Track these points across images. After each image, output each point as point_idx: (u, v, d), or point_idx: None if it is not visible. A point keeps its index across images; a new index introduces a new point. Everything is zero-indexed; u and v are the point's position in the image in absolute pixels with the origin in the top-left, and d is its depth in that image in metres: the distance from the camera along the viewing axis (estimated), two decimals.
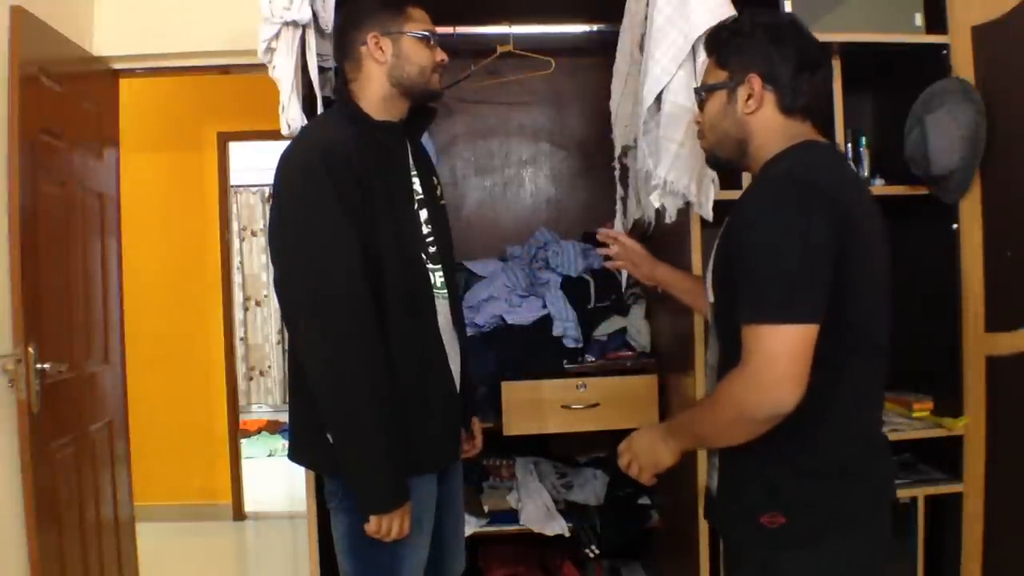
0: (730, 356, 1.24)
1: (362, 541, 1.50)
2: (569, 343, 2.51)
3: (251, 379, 6.42)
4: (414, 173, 1.65)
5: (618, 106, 2.34)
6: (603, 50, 2.53)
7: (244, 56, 2.37)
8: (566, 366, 2.48)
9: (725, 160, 1.40)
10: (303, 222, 1.47)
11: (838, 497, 1.23)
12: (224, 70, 2.71)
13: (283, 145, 1.58)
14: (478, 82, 2.79)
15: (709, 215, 1.96)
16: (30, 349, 2.01)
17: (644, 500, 2.59)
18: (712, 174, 1.91)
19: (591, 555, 2.45)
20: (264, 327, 6.46)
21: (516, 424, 2.39)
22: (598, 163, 2.72)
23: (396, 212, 1.56)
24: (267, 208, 6.23)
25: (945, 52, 2.23)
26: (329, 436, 1.49)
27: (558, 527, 2.43)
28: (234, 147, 4.19)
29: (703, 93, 1.38)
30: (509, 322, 2.52)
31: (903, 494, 2.19)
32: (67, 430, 2.25)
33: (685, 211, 2.02)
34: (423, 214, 1.64)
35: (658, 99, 1.89)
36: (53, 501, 2.14)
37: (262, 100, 2.44)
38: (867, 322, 1.24)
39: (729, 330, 1.24)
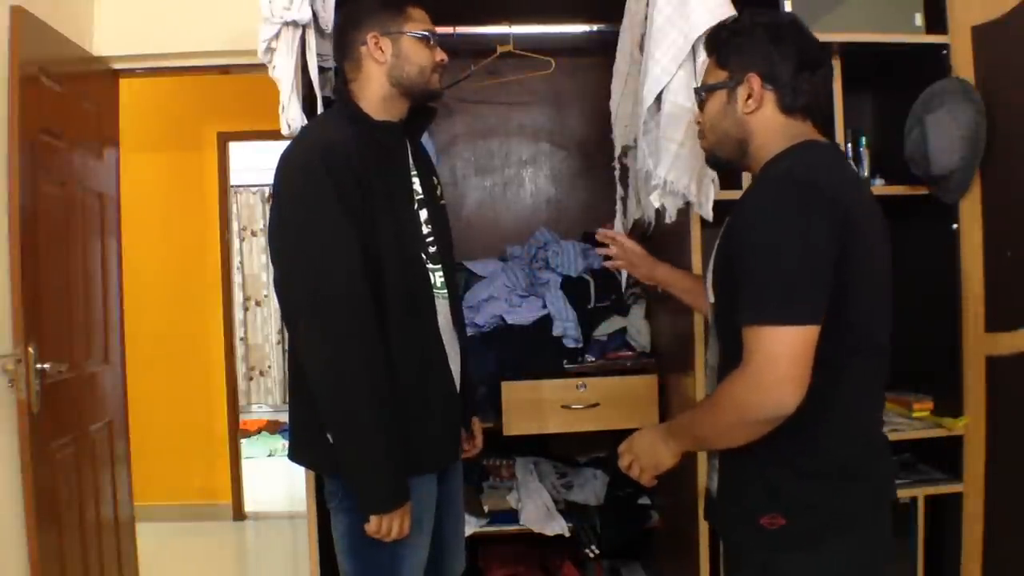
0: (730, 356, 1.24)
1: (362, 541, 1.50)
2: (569, 343, 2.51)
3: (251, 379, 6.42)
4: (414, 173, 1.65)
5: (618, 106, 2.34)
6: (603, 50, 2.53)
7: (244, 56, 2.37)
8: (566, 366, 2.48)
9: (725, 160, 1.39)
10: (303, 222, 1.47)
11: (839, 498, 1.23)
12: (224, 70, 2.71)
13: (283, 145, 1.58)
14: (478, 82, 2.79)
15: (709, 215, 1.96)
16: (30, 349, 2.01)
17: (644, 500, 2.59)
18: (712, 174, 1.91)
19: (591, 555, 2.45)
20: (264, 327, 6.46)
21: (516, 424, 2.39)
22: (598, 163, 2.72)
23: (396, 212, 1.56)
24: (267, 208, 6.23)
25: (945, 52, 2.23)
26: (329, 436, 1.49)
27: (558, 527, 2.43)
28: (234, 147, 4.19)
29: (703, 93, 1.38)
30: (509, 322, 2.52)
31: (903, 494, 2.19)
32: (67, 430, 2.25)
33: (685, 211, 2.02)
34: (423, 214, 1.64)
35: (658, 99, 1.89)
36: (53, 501, 2.14)
37: (262, 100, 2.44)
38: (868, 322, 1.24)
39: (729, 330, 1.24)
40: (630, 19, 2.20)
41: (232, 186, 4.33)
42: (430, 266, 1.62)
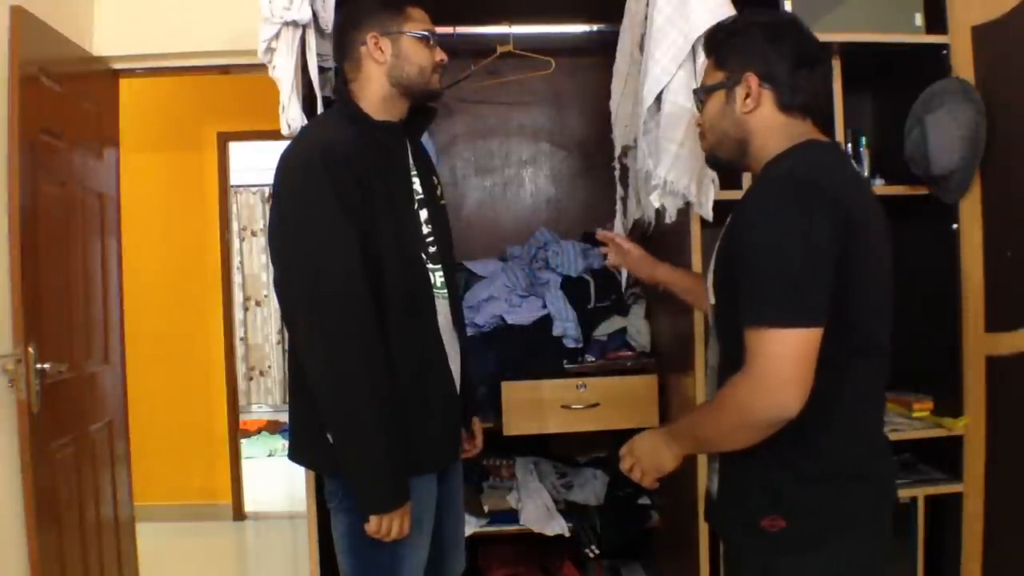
0: (731, 357, 1.24)
1: (362, 541, 1.50)
2: (569, 343, 2.51)
3: (251, 379, 6.42)
4: (414, 173, 1.65)
5: (618, 106, 2.34)
6: (603, 50, 2.53)
7: (244, 56, 2.36)
8: (566, 366, 2.48)
9: (726, 161, 1.39)
10: (302, 220, 1.47)
11: (841, 499, 1.23)
12: (224, 70, 2.71)
13: (283, 145, 1.58)
14: (478, 82, 2.79)
15: (709, 215, 1.96)
16: (30, 349, 2.01)
17: (644, 500, 2.59)
18: (712, 174, 1.91)
19: (591, 555, 2.45)
20: (264, 327, 6.46)
21: (516, 424, 2.39)
22: (598, 163, 2.72)
23: (396, 212, 1.56)
24: (267, 208, 6.23)
25: (945, 52, 2.23)
26: (329, 436, 1.49)
27: (558, 527, 2.43)
28: (234, 147, 4.19)
29: (702, 95, 1.38)
30: (509, 322, 2.52)
31: (903, 494, 2.19)
32: (67, 430, 2.25)
33: (685, 211, 2.02)
34: (423, 214, 1.64)
35: (658, 99, 1.89)
36: (53, 501, 2.14)
37: (262, 100, 2.44)
38: (869, 322, 1.23)
39: (730, 331, 1.24)
40: (630, 19, 2.20)
41: (232, 186, 4.33)
42: (430, 266, 1.62)
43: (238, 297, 6.07)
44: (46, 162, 2.18)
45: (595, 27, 2.58)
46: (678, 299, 1.76)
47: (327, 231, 1.45)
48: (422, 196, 1.65)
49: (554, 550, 2.59)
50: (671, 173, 1.89)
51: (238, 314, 6.03)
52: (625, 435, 1.40)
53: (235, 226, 6.02)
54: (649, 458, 1.34)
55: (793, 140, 1.28)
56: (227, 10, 2.47)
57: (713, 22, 1.66)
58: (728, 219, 1.31)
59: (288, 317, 1.55)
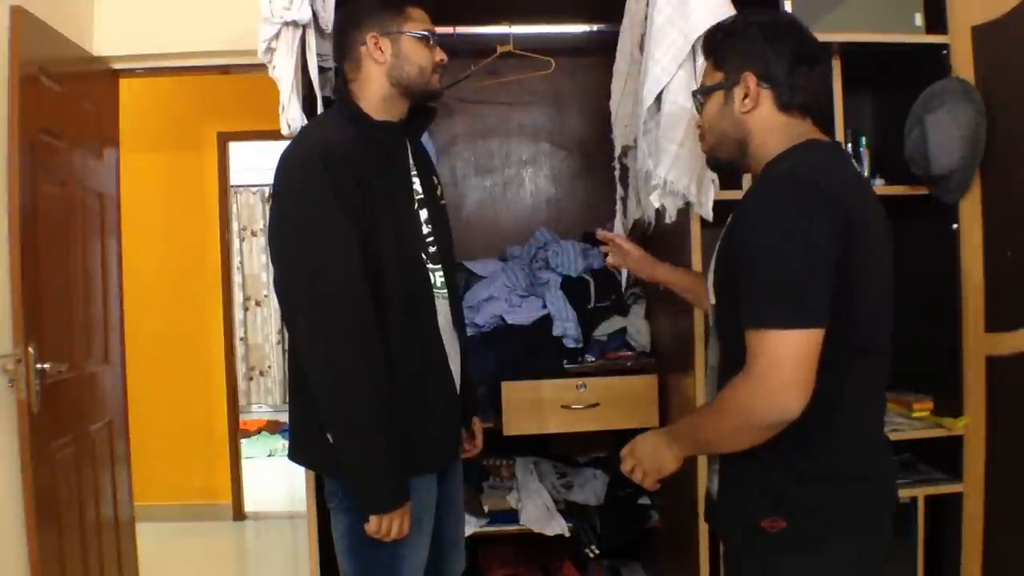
0: (731, 357, 1.24)
1: (362, 541, 1.50)
2: (569, 343, 2.51)
3: (251, 379, 6.42)
4: (414, 173, 1.65)
5: (618, 106, 2.34)
6: (603, 50, 2.53)
7: (244, 56, 2.36)
8: (566, 366, 2.48)
9: (726, 161, 1.39)
10: (301, 218, 1.47)
11: (841, 499, 1.23)
12: (224, 70, 2.71)
13: (283, 145, 1.58)
14: (478, 82, 2.79)
15: (709, 215, 1.96)
16: (30, 349, 2.01)
17: (644, 500, 2.59)
18: (712, 174, 1.91)
19: (591, 555, 2.45)
20: (264, 327, 6.46)
21: (516, 424, 2.39)
22: (598, 163, 2.72)
23: (396, 212, 1.56)
24: (267, 208, 6.23)
25: (945, 52, 2.23)
26: (329, 436, 1.49)
27: (558, 527, 2.43)
28: (234, 147, 4.19)
29: (700, 96, 1.37)
30: (509, 322, 2.52)
31: (903, 494, 2.18)
32: (67, 430, 2.25)
33: (685, 211, 2.02)
34: (423, 214, 1.64)
35: (658, 99, 1.89)
36: (53, 501, 2.14)
37: (262, 100, 2.44)
38: (870, 322, 1.23)
39: (730, 331, 1.24)
40: (630, 19, 2.20)
41: (232, 186, 4.33)
42: (430, 266, 1.62)
43: (238, 297, 6.07)
44: (46, 162, 2.18)
45: (595, 27, 2.58)
46: (679, 298, 1.76)
47: (327, 231, 1.45)
48: (422, 196, 1.65)
49: (554, 550, 2.59)
50: (671, 173, 1.89)
51: (238, 314, 6.03)
52: (625, 435, 1.41)
53: (235, 226, 6.02)
54: (650, 460, 1.34)
55: (793, 140, 1.28)
56: (227, 10, 2.47)
57: (713, 22, 1.66)
58: (728, 219, 1.31)
59: (288, 317, 1.55)
